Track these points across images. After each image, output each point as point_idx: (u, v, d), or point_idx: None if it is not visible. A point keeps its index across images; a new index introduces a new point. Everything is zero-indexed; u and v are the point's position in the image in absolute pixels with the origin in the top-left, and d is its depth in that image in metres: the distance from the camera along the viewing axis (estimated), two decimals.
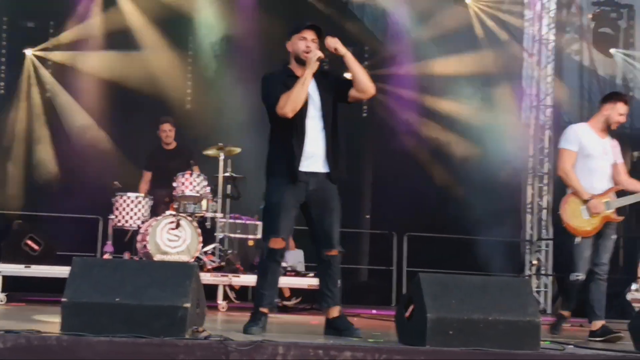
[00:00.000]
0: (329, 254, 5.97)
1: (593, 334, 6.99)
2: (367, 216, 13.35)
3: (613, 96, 7.32)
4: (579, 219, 7.09)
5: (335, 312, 6.00)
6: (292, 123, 5.85)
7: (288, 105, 5.79)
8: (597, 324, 7.02)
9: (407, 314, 5.40)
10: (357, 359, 4.85)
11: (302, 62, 5.92)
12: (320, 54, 5.87)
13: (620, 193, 7.26)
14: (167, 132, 10.19)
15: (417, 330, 5.22)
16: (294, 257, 9.92)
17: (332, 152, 5.96)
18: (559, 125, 13.72)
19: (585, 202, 7.07)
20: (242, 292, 10.22)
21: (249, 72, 11.85)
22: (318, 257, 6.01)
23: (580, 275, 7.07)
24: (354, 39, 12.89)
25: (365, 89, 5.97)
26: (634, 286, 13.04)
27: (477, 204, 12.14)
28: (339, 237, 5.98)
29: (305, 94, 5.88)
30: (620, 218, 7.09)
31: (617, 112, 7.12)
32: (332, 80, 6.08)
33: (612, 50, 12.53)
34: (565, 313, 7.37)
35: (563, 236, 7.28)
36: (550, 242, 13.37)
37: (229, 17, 12.15)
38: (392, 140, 12.50)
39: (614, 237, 7.19)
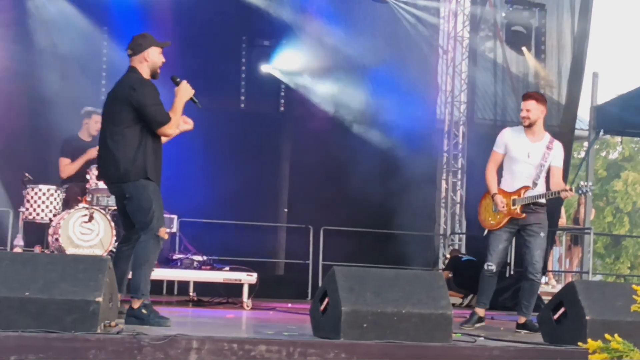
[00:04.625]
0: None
1: (519, 326, 7.31)
2: (285, 210, 13.34)
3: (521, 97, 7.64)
4: (488, 213, 7.45)
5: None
6: (154, 135, 6.23)
7: (174, 130, 6.28)
8: (522, 319, 7.32)
9: (322, 308, 5.42)
10: (272, 353, 4.86)
11: (155, 75, 6.34)
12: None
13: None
14: (99, 125, 9.93)
15: (331, 324, 5.26)
16: None
17: None
18: (473, 121, 13.95)
19: (493, 197, 7.38)
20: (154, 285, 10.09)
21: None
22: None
23: (492, 266, 7.33)
24: (272, 33, 12.85)
25: None
26: (543, 279, 13.34)
27: (393, 198, 12.26)
28: None
29: None
30: (523, 215, 7.29)
31: (522, 109, 7.40)
32: None
33: (524, 49, 12.76)
34: (480, 311, 7.46)
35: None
36: (464, 236, 13.58)
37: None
38: (309, 135, 12.52)
39: (543, 234, 7.36)
